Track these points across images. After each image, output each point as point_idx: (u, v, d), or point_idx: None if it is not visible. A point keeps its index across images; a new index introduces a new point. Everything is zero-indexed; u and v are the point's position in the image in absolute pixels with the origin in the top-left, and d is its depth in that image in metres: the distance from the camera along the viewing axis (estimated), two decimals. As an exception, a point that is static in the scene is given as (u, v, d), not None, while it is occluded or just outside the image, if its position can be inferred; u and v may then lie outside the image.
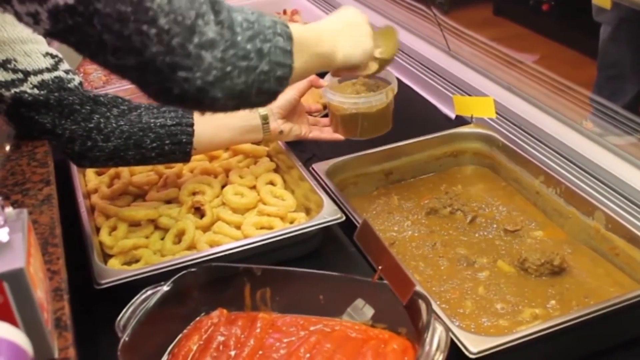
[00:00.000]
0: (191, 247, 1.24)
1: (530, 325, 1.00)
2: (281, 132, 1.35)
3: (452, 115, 1.64)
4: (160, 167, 1.41)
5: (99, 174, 1.44)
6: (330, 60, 1.10)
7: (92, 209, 1.32)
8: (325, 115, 1.48)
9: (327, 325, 1.00)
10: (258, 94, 0.92)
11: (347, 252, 1.24)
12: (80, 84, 1.20)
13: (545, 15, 3.49)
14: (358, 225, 1.09)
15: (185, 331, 1.01)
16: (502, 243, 1.25)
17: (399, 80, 1.40)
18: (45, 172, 1.06)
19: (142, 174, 1.40)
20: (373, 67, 1.21)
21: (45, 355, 0.69)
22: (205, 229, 1.28)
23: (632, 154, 1.32)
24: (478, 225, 1.31)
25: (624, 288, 1.11)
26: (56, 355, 0.70)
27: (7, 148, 1.14)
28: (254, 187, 1.37)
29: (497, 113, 1.51)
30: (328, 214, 1.20)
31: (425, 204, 1.36)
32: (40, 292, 0.69)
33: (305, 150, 1.52)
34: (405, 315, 0.95)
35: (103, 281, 1.08)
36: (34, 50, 1.15)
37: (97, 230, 1.26)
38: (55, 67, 1.17)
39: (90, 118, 1.17)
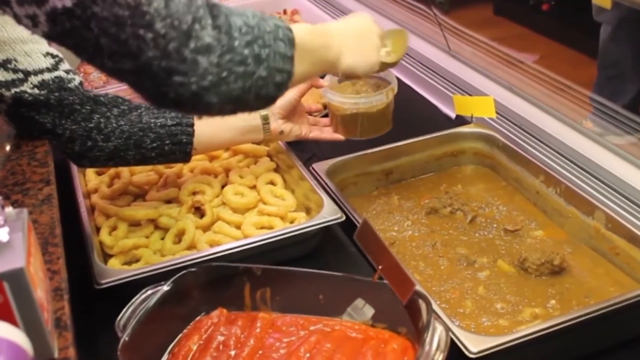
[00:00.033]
0: (191, 246, 1.24)
1: (531, 325, 1.00)
2: (281, 132, 1.35)
3: (452, 115, 1.64)
4: (160, 167, 1.41)
5: (99, 173, 1.44)
6: (334, 67, 1.11)
7: (92, 209, 1.32)
8: (326, 115, 1.48)
9: (327, 325, 1.00)
10: (256, 99, 0.91)
11: (347, 252, 1.24)
12: (81, 83, 1.20)
13: (545, 15, 3.48)
14: (358, 225, 1.09)
15: (185, 331, 1.01)
16: (502, 243, 1.25)
17: (399, 80, 1.41)
18: (45, 172, 1.06)
19: (142, 173, 1.40)
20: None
21: (45, 355, 0.69)
22: (205, 228, 1.28)
23: (632, 153, 1.32)
24: (478, 225, 1.31)
25: (624, 288, 1.11)
26: (56, 355, 0.70)
27: (7, 148, 1.14)
28: (254, 187, 1.37)
29: (497, 113, 1.51)
30: (328, 213, 1.20)
31: (425, 204, 1.36)
32: (40, 291, 0.69)
33: (305, 150, 1.52)
34: (405, 315, 0.95)
35: (103, 281, 1.08)
36: (34, 50, 1.15)
37: (97, 230, 1.26)
38: (55, 67, 1.17)
39: (91, 118, 1.17)
